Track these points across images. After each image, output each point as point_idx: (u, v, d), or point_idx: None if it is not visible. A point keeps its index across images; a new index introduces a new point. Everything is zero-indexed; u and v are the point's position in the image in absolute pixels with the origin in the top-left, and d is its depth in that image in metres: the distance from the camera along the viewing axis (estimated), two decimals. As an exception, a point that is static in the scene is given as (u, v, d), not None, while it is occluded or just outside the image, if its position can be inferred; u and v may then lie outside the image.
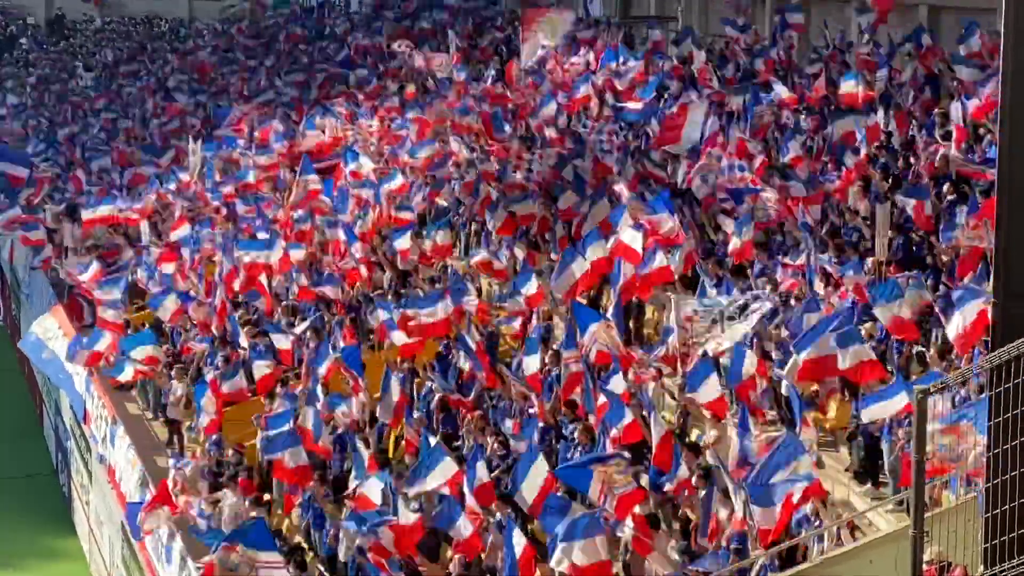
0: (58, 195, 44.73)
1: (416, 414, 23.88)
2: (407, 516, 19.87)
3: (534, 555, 18.32)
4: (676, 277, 25.05)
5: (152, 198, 39.76)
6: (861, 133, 27.04)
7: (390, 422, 23.92)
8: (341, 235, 31.36)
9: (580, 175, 30.46)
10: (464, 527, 19.50)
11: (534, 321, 25.20)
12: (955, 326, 19.28)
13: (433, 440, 21.42)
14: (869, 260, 23.27)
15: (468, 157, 34.01)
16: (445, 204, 32.70)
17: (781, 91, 30.98)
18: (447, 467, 20.56)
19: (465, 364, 24.36)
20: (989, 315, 18.30)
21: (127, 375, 29.52)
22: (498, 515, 19.94)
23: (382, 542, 19.63)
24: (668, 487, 19.22)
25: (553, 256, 27.87)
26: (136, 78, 62.36)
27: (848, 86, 30.17)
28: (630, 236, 25.02)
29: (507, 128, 35.93)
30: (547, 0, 49.79)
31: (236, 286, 30.92)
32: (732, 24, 39.72)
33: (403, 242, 30.25)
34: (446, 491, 20.42)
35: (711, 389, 20.69)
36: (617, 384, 21.20)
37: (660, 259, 24.38)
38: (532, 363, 23.30)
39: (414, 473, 20.88)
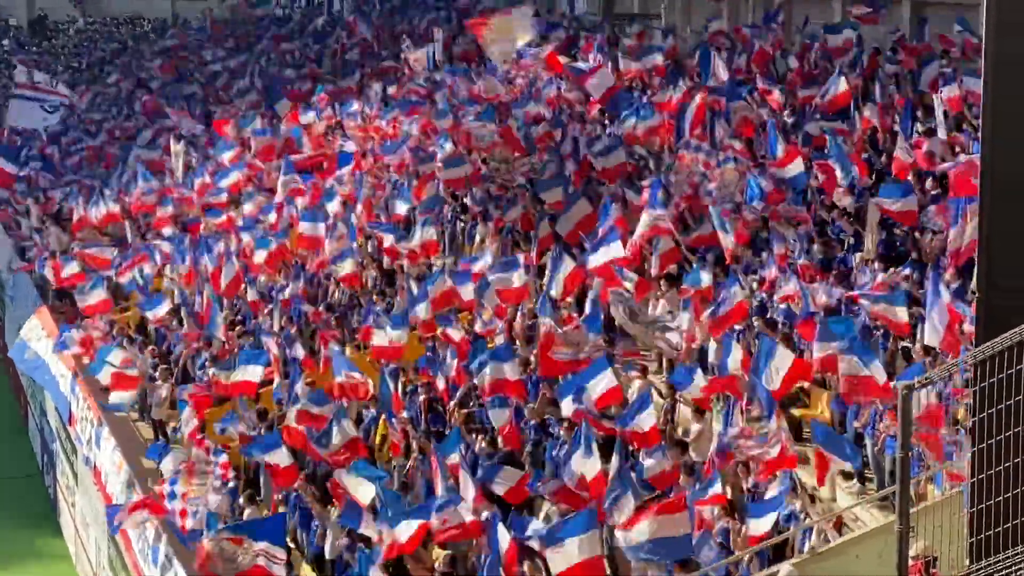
0: (39, 194, 44.80)
1: (403, 414, 23.81)
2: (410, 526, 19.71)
3: (518, 553, 18.26)
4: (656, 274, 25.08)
5: (135, 196, 39.77)
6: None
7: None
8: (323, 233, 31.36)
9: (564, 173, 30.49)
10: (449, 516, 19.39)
11: (518, 319, 25.12)
12: (932, 328, 19.29)
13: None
14: (856, 256, 23.30)
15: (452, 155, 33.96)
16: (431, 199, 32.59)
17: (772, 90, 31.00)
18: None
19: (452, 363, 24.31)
20: (959, 311, 18.52)
21: (104, 377, 29.27)
22: (484, 513, 19.93)
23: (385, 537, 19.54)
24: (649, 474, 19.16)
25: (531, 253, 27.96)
26: (118, 78, 62.35)
27: (836, 88, 30.17)
28: (612, 249, 24.97)
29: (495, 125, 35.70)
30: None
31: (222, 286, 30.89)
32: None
33: (389, 240, 30.22)
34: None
35: (699, 383, 20.72)
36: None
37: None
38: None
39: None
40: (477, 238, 29.99)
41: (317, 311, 28.58)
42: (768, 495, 17.70)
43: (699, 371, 20.95)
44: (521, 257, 26.66)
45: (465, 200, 32.19)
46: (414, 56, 46.05)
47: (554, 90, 36.66)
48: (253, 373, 25.71)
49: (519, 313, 25.48)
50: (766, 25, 38.06)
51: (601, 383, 20.96)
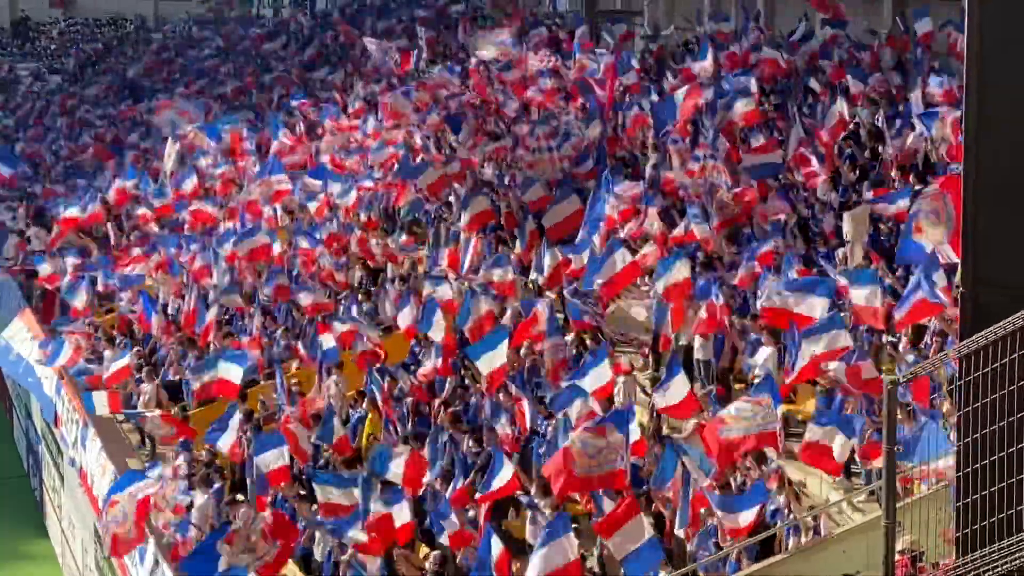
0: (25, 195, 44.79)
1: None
2: (378, 509, 19.75)
3: (509, 558, 18.25)
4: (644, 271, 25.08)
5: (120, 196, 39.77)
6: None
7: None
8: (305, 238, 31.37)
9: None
10: (452, 526, 19.42)
11: (508, 314, 25.12)
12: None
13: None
14: (840, 252, 23.32)
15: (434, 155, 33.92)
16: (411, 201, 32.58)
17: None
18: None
19: (437, 362, 24.32)
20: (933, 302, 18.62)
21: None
22: (471, 512, 19.94)
23: (363, 541, 19.55)
24: (661, 492, 19.04)
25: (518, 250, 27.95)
26: (102, 77, 62.31)
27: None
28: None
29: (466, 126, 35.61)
30: None
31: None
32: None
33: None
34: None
35: (678, 389, 20.51)
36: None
37: (623, 257, 24.38)
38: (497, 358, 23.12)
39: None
40: (462, 236, 29.94)
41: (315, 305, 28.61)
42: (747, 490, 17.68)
43: (679, 377, 20.69)
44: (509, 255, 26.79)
45: (450, 199, 32.16)
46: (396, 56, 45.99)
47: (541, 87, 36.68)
48: (235, 374, 25.72)
49: (507, 307, 25.51)
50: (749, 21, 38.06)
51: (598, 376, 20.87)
